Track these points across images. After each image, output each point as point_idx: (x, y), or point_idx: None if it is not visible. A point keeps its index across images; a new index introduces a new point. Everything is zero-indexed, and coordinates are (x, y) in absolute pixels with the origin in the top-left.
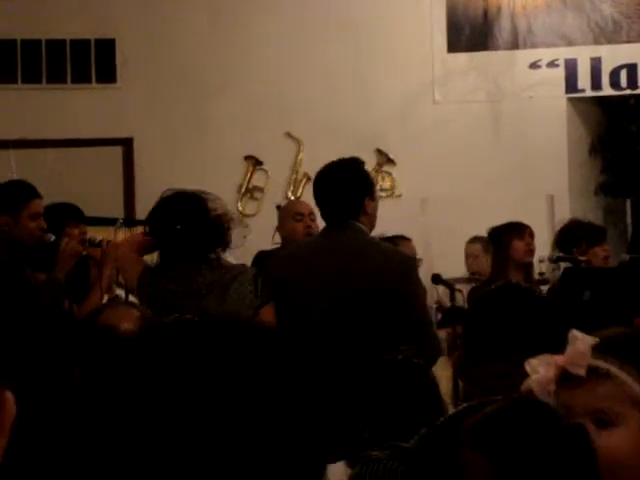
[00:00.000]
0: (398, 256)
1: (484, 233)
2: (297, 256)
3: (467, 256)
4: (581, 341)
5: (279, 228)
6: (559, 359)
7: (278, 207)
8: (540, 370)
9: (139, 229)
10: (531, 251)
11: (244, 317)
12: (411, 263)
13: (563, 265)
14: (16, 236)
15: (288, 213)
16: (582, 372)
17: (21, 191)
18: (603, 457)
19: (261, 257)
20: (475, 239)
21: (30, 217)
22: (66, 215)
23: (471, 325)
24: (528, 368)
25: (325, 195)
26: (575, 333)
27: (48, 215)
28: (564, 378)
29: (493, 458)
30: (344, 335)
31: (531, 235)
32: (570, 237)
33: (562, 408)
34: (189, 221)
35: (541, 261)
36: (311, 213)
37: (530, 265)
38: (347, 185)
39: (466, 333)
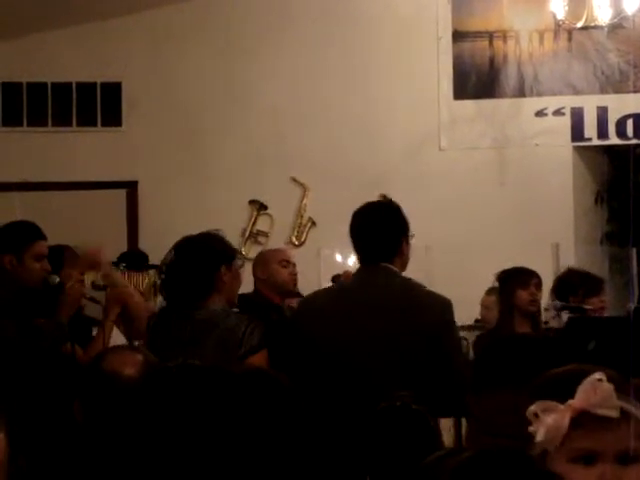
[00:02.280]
0: (436, 299)
1: (488, 280)
2: (330, 299)
3: (481, 306)
4: (606, 383)
5: (260, 272)
6: (578, 402)
7: None
8: (548, 417)
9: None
10: (535, 301)
11: (239, 364)
12: (449, 306)
13: (564, 314)
14: (19, 276)
15: (273, 259)
16: (615, 414)
17: (26, 232)
18: None
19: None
20: (492, 290)
21: (34, 258)
22: (62, 257)
23: (483, 362)
24: (532, 416)
25: (361, 234)
26: (598, 375)
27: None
28: (578, 422)
29: None
30: (376, 380)
31: (537, 285)
32: (568, 285)
33: (579, 451)
34: (201, 267)
35: (546, 309)
36: (294, 263)
37: (537, 314)
38: (386, 225)
39: (476, 370)
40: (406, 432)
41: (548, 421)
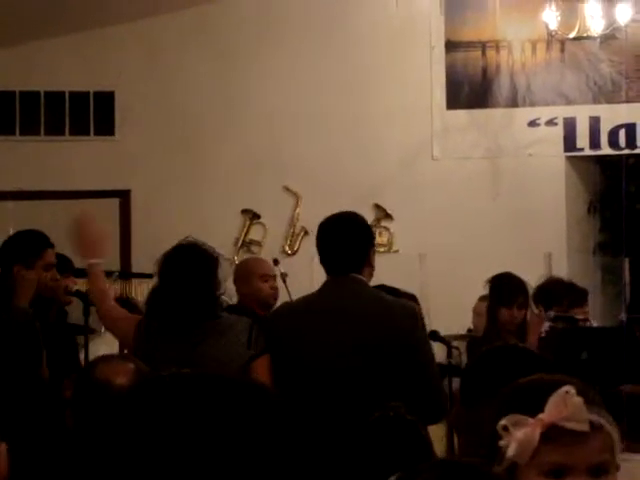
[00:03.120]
0: (403, 308)
1: (482, 289)
2: (301, 309)
3: (473, 312)
4: (576, 396)
5: (242, 287)
6: (548, 416)
7: (275, 261)
8: (518, 431)
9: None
10: (515, 323)
11: (237, 372)
12: (416, 314)
13: (546, 322)
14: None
15: (253, 273)
16: (585, 427)
17: (36, 241)
18: None
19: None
20: (485, 297)
21: (44, 267)
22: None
23: (471, 374)
24: (502, 430)
25: (331, 246)
26: (567, 388)
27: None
28: (548, 436)
29: None
30: (348, 390)
31: (521, 305)
32: (551, 294)
33: (549, 465)
34: (200, 273)
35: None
36: (275, 275)
37: (524, 325)
38: (353, 237)
39: (464, 383)
40: (398, 442)
41: (518, 435)
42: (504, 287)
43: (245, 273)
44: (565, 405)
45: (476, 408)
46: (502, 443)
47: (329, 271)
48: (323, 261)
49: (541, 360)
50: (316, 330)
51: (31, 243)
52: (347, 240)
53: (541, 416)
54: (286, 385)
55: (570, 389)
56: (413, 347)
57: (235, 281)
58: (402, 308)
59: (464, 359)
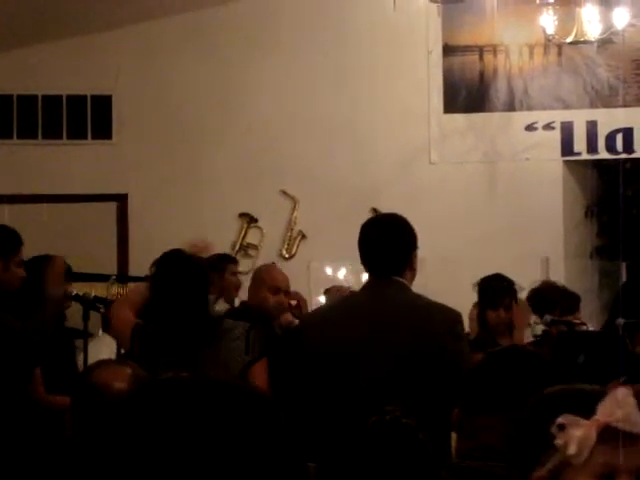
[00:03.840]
0: (444, 311)
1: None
2: (338, 310)
3: (469, 318)
4: (631, 398)
5: (251, 292)
6: (603, 417)
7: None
8: (576, 430)
9: (132, 285)
10: (504, 324)
11: (234, 377)
12: (457, 319)
13: (538, 326)
14: (5, 282)
15: (264, 283)
16: (638, 429)
17: (12, 238)
18: None
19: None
20: (477, 304)
21: (17, 264)
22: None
23: (471, 380)
24: (557, 430)
25: (373, 248)
26: (623, 391)
27: (33, 266)
28: (601, 437)
29: None
30: (384, 396)
31: (507, 306)
32: (545, 300)
33: (601, 467)
34: (193, 278)
35: (536, 323)
36: (287, 290)
37: (513, 327)
38: (398, 239)
39: (466, 387)
40: (395, 446)
41: (577, 434)
42: (489, 290)
43: (258, 280)
44: (619, 407)
45: (475, 414)
46: (558, 442)
47: (371, 272)
48: (365, 262)
49: (540, 361)
50: (356, 334)
51: (8, 240)
52: (390, 242)
53: (596, 416)
54: (317, 388)
55: (627, 391)
56: (449, 352)
57: (250, 283)
58: (441, 313)
59: None
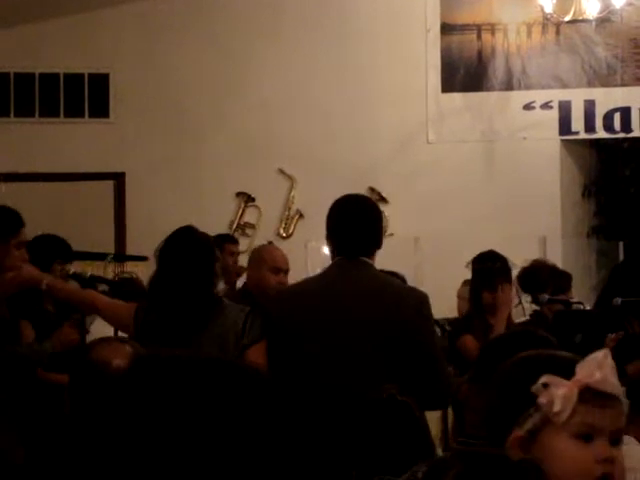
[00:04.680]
0: (412, 292)
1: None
2: (307, 293)
3: (457, 297)
4: (610, 360)
5: (250, 272)
6: (583, 377)
7: (269, 244)
8: (560, 388)
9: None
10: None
11: (232, 357)
12: (424, 299)
13: (528, 305)
14: (7, 266)
15: (265, 263)
16: (618, 391)
17: (11, 219)
18: (621, 468)
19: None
20: (467, 282)
21: (16, 246)
22: (54, 251)
23: (482, 358)
24: (542, 387)
25: (346, 228)
26: (602, 353)
27: (36, 247)
28: (583, 398)
29: None
30: (352, 375)
31: (504, 285)
32: (536, 280)
33: (580, 426)
34: (200, 258)
35: (529, 302)
36: (287, 270)
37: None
38: (370, 219)
39: (476, 366)
40: (392, 424)
41: (560, 392)
42: (486, 271)
43: (257, 260)
44: (598, 368)
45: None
46: (541, 400)
47: (340, 252)
48: (335, 243)
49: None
50: (322, 314)
51: (9, 221)
52: (363, 223)
53: (577, 377)
54: (287, 369)
55: (606, 353)
56: (419, 333)
57: (248, 264)
58: (411, 294)
59: None
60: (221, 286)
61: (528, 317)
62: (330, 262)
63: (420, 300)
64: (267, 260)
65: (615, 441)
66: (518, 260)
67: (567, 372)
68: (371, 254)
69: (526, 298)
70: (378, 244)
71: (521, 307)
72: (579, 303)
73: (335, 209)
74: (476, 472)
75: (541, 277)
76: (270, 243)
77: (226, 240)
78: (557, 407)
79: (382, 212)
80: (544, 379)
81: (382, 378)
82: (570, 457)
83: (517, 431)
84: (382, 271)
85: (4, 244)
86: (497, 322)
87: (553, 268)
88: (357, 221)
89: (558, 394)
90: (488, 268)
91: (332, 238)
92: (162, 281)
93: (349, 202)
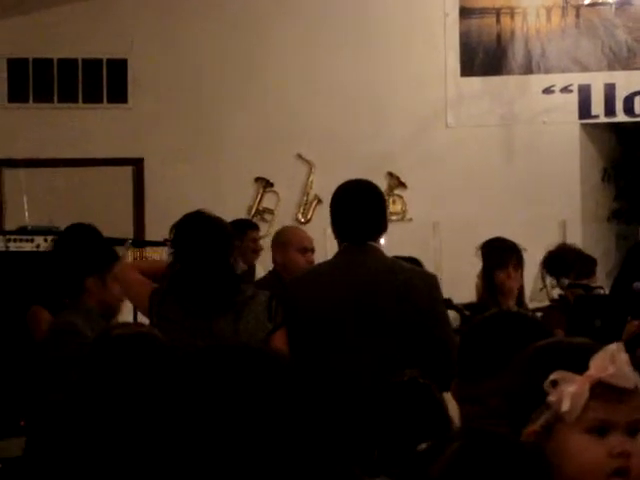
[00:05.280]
0: (421, 275)
1: None
2: (320, 276)
3: (476, 286)
4: (623, 353)
5: (278, 256)
6: (596, 372)
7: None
8: (569, 386)
9: (148, 250)
10: (514, 285)
11: (256, 343)
12: (434, 281)
13: (555, 289)
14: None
15: (292, 244)
16: (632, 385)
17: (109, 248)
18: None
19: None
20: None
21: (114, 278)
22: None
23: (468, 346)
24: (550, 386)
25: (351, 213)
26: (615, 346)
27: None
28: (593, 392)
29: None
30: (367, 355)
31: (516, 264)
32: (561, 264)
33: (593, 421)
34: (216, 242)
35: (553, 287)
36: (313, 249)
37: (520, 290)
38: (377, 205)
39: (462, 355)
40: (414, 406)
41: (570, 390)
42: (495, 250)
43: (283, 242)
44: (612, 362)
45: (477, 380)
46: (551, 399)
47: (346, 239)
48: (341, 228)
49: (535, 324)
50: (334, 299)
51: (105, 251)
52: (370, 208)
53: (589, 372)
54: (302, 353)
55: (620, 346)
56: (430, 315)
57: (273, 249)
58: (421, 277)
59: None
60: (243, 267)
61: (549, 302)
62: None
63: (430, 282)
64: (293, 241)
65: (634, 431)
66: (539, 244)
67: (583, 363)
68: (377, 238)
69: (552, 282)
70: (383, 228)
71: (545, 291)
72: (600, 288)
73: (338, 195)
74: (479, 446)
75: (566, 261)
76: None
77: (248, 226)
78: (566, 407)
79: (401, 197)
80: (554, 375)
81: (396, 361)
82: (584, 452)
83: (531, 426)
84: (397, 257)
85: (102, 280)
86: (508, 302)
87: (578, 252)
88: (361, 206)
89: (568, 392)
90: (497, 247)
91: (337, 225)
92: (177, 265)
93: (352, 188)
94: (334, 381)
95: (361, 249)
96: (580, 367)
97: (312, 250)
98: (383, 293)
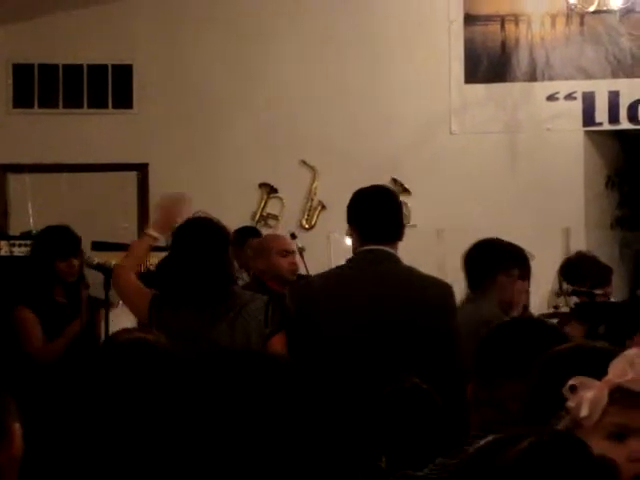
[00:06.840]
0: (437, 283)
1: None
2: (334, 283)
3: None
4: None
5: (260, 264)
6: (614, 378)
7: (292, 235)
8: (587, 392)
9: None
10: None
11: (256, 348)
12: (450, 292)
13: (572, 298)
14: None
15: (272, 249)
16: None
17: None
18: None
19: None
20: None
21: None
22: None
23: (486, 350)
24: (568, 392)
25: (375, 215)
26: (634, 351)
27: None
28: (612, 398)
29: None
30: (375, 363)
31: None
32: (576, 273)
33: (612, 427)
34: (214, 248)
35: (557, 294)
36: (294, 251)
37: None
38: (394, 209)
39: (480, 359)
40: (415, 411)
41: (588, 395)
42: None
43: (263, 249)
44: (631, 367)
45: (495, 383)
46: (570, 404)
47: (366, 239)
48: (360, 230)
49: (553, 330)
50: (347, 305)
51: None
52: (389, 211)
53: (608, 377)
54: (310, 359)
55: (638, 351)
56: (442, 324)
57: (253, 260)
58: (435, 287)
59: None
60: (245, 278)
61: (568, 309)
62: (351, 253)
63: (445, 291)
64: (273, 246)
65: None
66: (542, 252)
67: (601, 368)
68: (394, 243)
69: (568, 289)
70: (401, 234)
71: (563, 298)
72: (603, 295)
73: (360, 197)
74: (553, 444)
75: (583, 269)
76: (293, 234)
77: (249, 234)
78: (584, 412)
79: (405, 204)
80: (572, 381)
81: (403, 367)
82: None
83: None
84: None
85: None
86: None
87: (595, 260)
88: (383, 209)
89: (586, 398)
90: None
91: (357, 226)
92: (176, 270)
93: (374, 191)
94: (341, 384)
95: (377, 256)
96: (599, 372)
97: (294, 252)
98: (396, 299)
